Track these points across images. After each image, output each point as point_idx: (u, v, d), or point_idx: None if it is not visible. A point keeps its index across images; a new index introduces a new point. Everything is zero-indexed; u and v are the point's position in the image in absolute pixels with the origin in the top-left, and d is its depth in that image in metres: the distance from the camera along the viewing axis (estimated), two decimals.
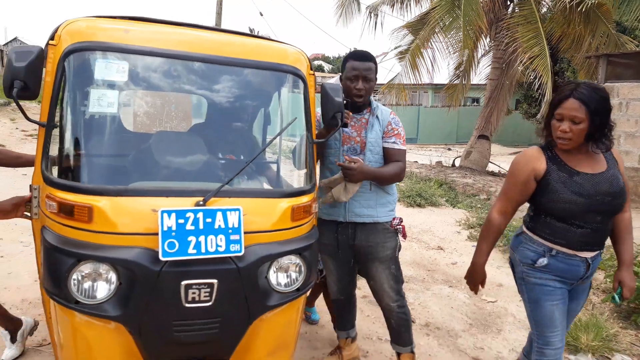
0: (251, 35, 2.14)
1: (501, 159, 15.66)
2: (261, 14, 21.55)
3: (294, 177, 2.14)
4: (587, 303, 4.06)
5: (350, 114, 2.49)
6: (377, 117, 2.55)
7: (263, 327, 1.92)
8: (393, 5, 12.85)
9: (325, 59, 68.06)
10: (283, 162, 2.22)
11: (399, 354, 2.80)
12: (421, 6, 12.71)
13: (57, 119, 1.82)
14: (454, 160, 12.93)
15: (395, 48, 11.21)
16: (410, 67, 10.33)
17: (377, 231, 2.57)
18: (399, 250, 2.66)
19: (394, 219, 2.62)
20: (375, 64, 2.52)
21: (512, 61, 10.56)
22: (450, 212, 7.65)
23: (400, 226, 2.63)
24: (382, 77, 12.35)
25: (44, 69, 1.81)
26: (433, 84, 11.01)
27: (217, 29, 2.13)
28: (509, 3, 11.56)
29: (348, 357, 2.95)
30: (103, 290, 1.66)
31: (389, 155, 2.54)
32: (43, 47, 1.81)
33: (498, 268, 4.95)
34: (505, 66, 11.10)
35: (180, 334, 1.74)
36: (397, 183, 2.83)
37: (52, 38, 1.85)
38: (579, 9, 9.14)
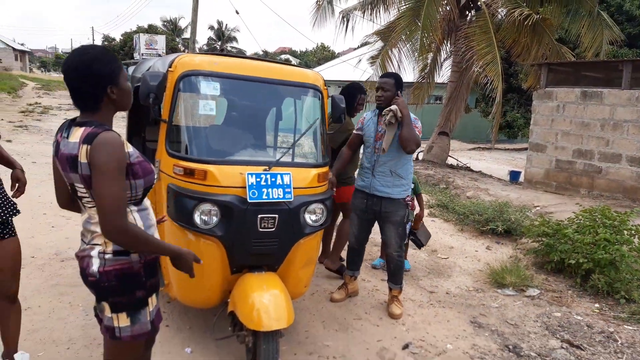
0: (288, 63, 3.32)
1: (460, 154, 17.23)
2: (237, 12, 22.39)
3: (316, 155, 3.32)
4: (514, 256, 5.42)
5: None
6: None
7: (300, 248, 3.10)
8: (364, 11, 14.05)
9: (293, 52, 69.21)
10: (309, 145, 3.40)
11: (390, 289, 4.00)
12: (389, 12, 13.97)
13: (174, 117, 2.95)
14: (417, 154, 14.30)
15: (368, 54, 12.41)
16: (380, 70, 11.58)
17: (392, 202, 3.73)
18: (407, 219, 3.83)
19: (407, 197, 3.78)
20: (395, 79, 3.67)
21: (469, 66, 11.93)
22: None
23: (410, 202, 3.83)
24: (357, 77, 13.54)
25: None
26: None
27: (269, 60, 3.31)
28: (467, 13, 12.94)
29: (351, 290, 4.20)
30: (212, 220, 2.81)
31: None
32: (165, 72, 2.94)
33: (451, 236, 6.27)
34: (463, 70, 12.46)
35: (255, 247, 2.90)
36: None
37: (170, 66, 2.97)
38: (526, 23, 10.57)
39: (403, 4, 12.30)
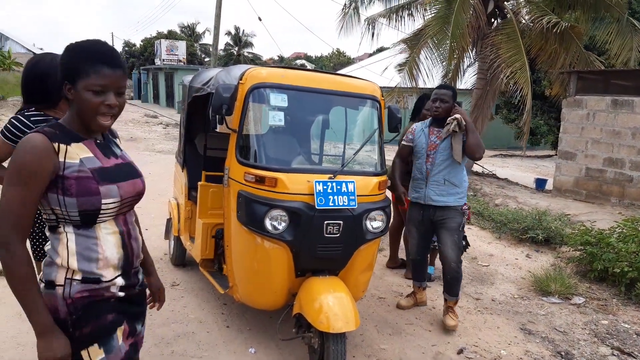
0: (349, 76, 3.44)
1: (483, 161, 17.18)
2: (260, 19, 22.71)
3: (376, 164, 3.43)
4: (555, 265, 5.45)
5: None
6: None
7: (360, 254, 3.20)
8: (389, 18, 14.17)
9: (308, 58, 69.63)
10: (369, 155, 3.51)
11: (445, 300, 3.92)
12: (414, 19, 14.09)
13: (244, 127, 3.09)
14: None
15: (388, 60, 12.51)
16: (408, 76, 11.68)
17: (448, 210, 3.75)
18: (463, 227, 3.87)
19: (464, 204, 3.80)
20: (453, 91, 3.75)
21: (496, 73, 11.94)
22: None
23: (467, 211, 3.86)
24: (383, 83, 13.64)
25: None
26: (419, 88, 12.30)
27: (332, 72, 3.43)
28: (492, 20, 12.97)
29: (420, 300, 4.20)
30: (281, 225, 2.93)
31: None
32: (236, 84, 3.08)
33: (489, 244, 6.31)
34: (490, 77, 12.48)
35: (320, 252, 3.01)
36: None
37: (240, 79, 3.11)
38: (554, 30, 10.58)
39: (429, 12, 12.40)
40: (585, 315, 4.31)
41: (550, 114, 18.93)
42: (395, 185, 3.92)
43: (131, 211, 1.73)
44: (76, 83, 1.48)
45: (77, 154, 1.52)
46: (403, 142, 4.01)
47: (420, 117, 4.57)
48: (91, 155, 1.56)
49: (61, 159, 1.48)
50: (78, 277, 1.53)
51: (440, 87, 3.83)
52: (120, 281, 1.63)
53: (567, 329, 4.03)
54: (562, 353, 3.62)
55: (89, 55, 1.49)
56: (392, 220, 5.19)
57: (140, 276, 1.79)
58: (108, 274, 1.58)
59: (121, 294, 1.64)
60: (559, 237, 6.02)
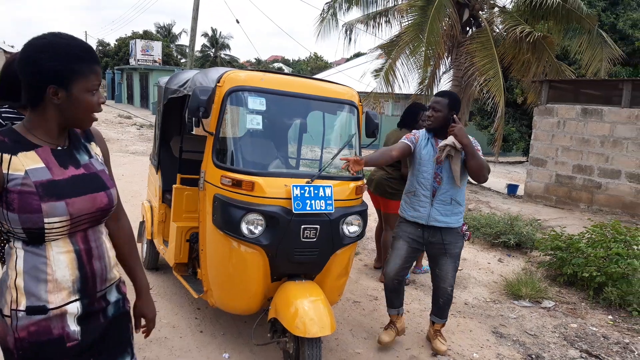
0: (328, 81, 3.45)
1: None
2: (237, 22, 22.59)
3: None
4: (526, 269, 5.57)
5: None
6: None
7: (337, 258, 3.20)
8: (367, 24, 14.29)
9: (285, 61, 69.65)
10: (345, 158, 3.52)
11: (433, 323, 3.64)
12: (391, 25, 14.24)
13: (221, 130, 3.06)
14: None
15: (366, 66, 12.62)
16: (384, 82, 11.79)
17: (451, 233, 3.39)
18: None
19: (463, 224, 3.48)
20: (450, 99, 3.32)
21: (470, 81, 12.14)
22: None
23: (468, 233, 3.60)
24: (361, 88, 13.73)
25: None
26: (394, 94, 12.46)
27: (311, 77, 3.43)
28: (467, 29, 13.21)
29: (400, 329, 3.66)
30: (258, 229, 2.91)
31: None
32: (214, 87, 3.05)
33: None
34: (464, 85, 12.69)
35: (297, 257, 3.00)
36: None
37: (218, 81, 3.09)
38: (527, 40, 10.84)
39: (406, 20, 12.55)
40: (555, 319, 4.40)
41: (522, 121, 19.35)
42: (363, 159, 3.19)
43: (97, 227, 1.54)
44: (69, 85, 1.38)
45: (23, 165, 1.36)
46: (404, 140, 3.46)
47: (416, 128, 4.32)
48: (41, 165, 1.39)
49: (4, 170, 1.34)
50: (22, 306, 1.38)
51: (437, 94, 3.44)
52: (74, 308, 1.45)
53: (537, 332, 4.11)
54: (533, 356, 3.69)
55: (80, 55, 1.40)
56: (377, 223, 5.23)
57: (114, 298, 1.61)
58: (57, 298, 1.41)
59: (76, 328, 1.45)
60: (530, 241, 6.15)
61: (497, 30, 12.74)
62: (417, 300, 4.58)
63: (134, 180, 8.49)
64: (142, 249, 4.84)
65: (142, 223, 4.84)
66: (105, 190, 1.53)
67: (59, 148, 1.47)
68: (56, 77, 1.36)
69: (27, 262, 1.40)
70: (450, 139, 3.23)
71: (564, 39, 12.59)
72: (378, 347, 3.60)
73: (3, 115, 2.26)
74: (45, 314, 1.40)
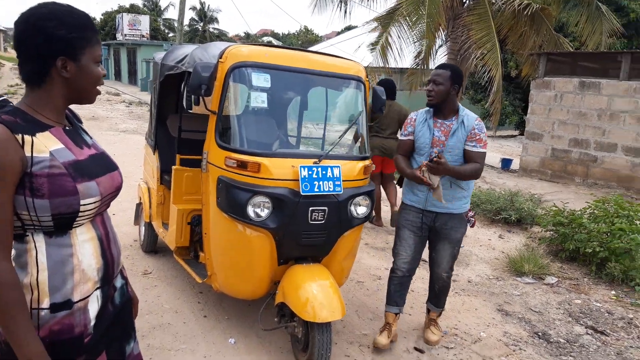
0: (335, 55, 3.31)
1: None
2: None
3: (361, 148, 3.33)
4: (528, 245, 5.55)
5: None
6: (462, 122, 3.05)
7: (344, 240, 3.12)
8: None
9: (275, 35, 68.50)
10: (354, 138, 3.41)
11: (429, 311, 3.49)
12: None
13: (224, 109, 2.93)
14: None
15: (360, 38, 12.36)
16: (380, 56, 11.58)
17: (452, 218, 3.17)
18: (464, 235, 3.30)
19: (469, 210, 3.25)
20: (452, 71, 3.04)
21: (467, 55, 11.97)
22: None
23: (473, 219, 3.37)
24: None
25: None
26: (389, 68, 12.25)
27: (316, 52, 3.29)
28: (464, 0, 12.96)
29: (394, 333, 3.34)
30: (265, 212, 2.81)
31: (468, 157, 3.05)
32: (216, 63, 2.90)
33: None
34: (460, 59, 12.51)
35: (304, 239, 2.92)
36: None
37: (220, 57, 2.94)
38: (525, 12, 10.65)
39: None
40: (559, 295, 4.40)
41: (516, 94, 19.25)
42: (408, 174, 3.15)
43: (106, 210, 1.50)
44: (78, 56, 1.30)
45: (46, 146, 1.27)
46: (401, 137, 3.33)
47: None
48: (62, 146, 1.31)
49: (27, 153, 1.23)
50: (45, 304, 1.27)
51: (438, 66, 3.16)
52: (95, 298, 1.39)
53: (542, 309, 4.10)
54: (540, 334, 3.68)
55: (85, 23, 1.33)
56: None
57: (119, 283, 1.54)
58: (83, 290, 1.34)
59: (93, 322, 1.39)
60: (530, 217, 6.13)
61: (494, 1, 12.51)
62: (421, 279, 4.55)
63: (127, 160, 8.31)
64: (140, 231, 4.74)
65: (138, 205, 4.72)
66: (117, 170, 1.50)
67: (67, 128, 1.40)
68: (66, 47, 1.29)
69: (51, 256, 1.30)
70: (425, 175, 2.97)
71: (562, 12, 12.40)
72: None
73: None
74: (70, 309, 1.32)
